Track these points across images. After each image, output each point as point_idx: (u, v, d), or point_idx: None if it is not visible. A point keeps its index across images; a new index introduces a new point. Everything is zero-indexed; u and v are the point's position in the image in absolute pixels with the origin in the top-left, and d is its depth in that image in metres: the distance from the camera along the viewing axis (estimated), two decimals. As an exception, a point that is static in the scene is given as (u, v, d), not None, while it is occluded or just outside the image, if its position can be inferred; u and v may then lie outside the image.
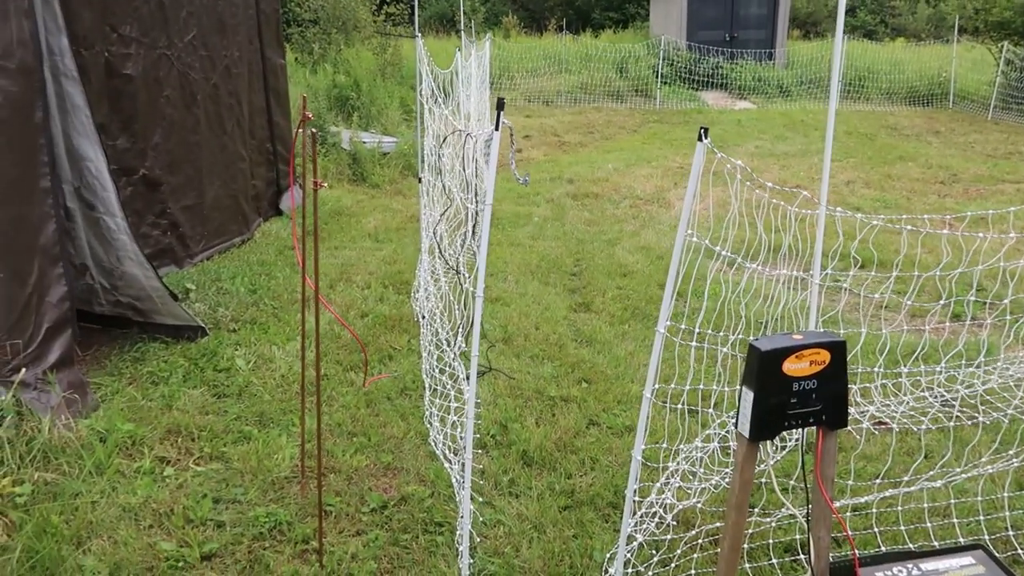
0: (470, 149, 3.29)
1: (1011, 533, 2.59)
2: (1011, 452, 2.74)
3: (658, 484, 2.63)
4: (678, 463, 2.76)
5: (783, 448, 2.92)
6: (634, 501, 2.22)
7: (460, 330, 3.09)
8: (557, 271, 5.22)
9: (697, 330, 2.32)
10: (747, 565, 2.45)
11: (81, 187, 3.75)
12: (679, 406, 2.50)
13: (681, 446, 2.66)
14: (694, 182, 1.97)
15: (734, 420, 1.98)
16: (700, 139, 1.96)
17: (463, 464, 2.42)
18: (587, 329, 4.23)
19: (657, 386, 2.19)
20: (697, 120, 12.73)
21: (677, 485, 2.54)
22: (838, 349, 1.88)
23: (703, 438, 2.86)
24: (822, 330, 2.10)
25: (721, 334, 2.43)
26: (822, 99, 14.77)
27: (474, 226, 3.10)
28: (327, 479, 2.89)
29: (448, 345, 3.18)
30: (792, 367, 1.85)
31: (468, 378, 3.35)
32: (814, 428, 1.91)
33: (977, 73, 14.77)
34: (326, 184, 2.23)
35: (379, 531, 2.64)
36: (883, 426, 3.13)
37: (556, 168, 8.86)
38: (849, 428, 3.12)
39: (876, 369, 2.95)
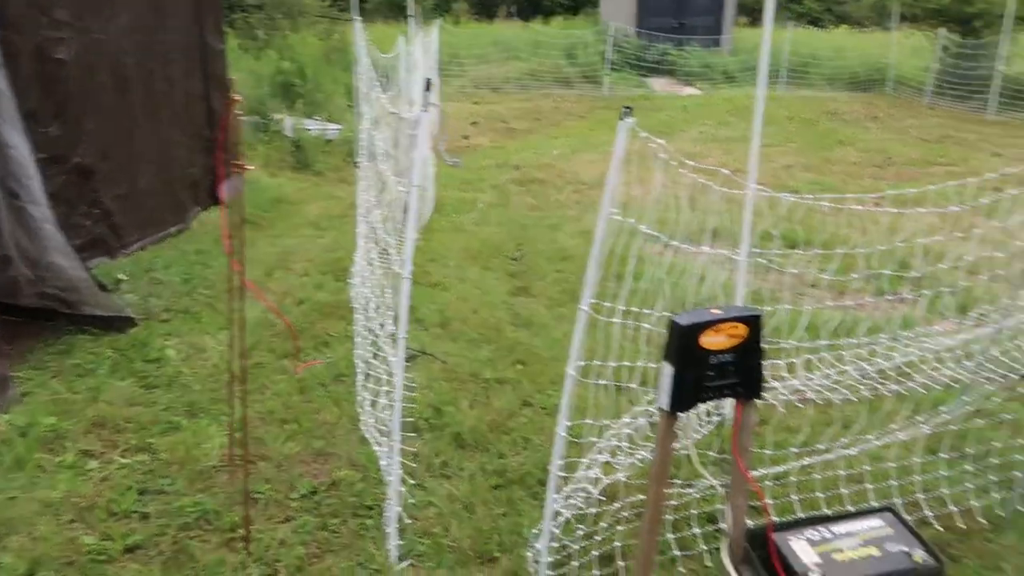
0: (405, 132, 3.27)
1: (921, 496, 2.70)
2: (919, 419, 2.84)
3: (586, 460, 2.66)
4: (607, 438, 2.80)
5: (709, 423, 2.98)
6: (559, 477, 2.25)
7: (390, 314, 3.09)
8: (499, 256, 5.24)
9: (622, 308, 2.36)
10: (671, 536, 2.51)
11: (5, 175, 3.64)
12: (607, 383, 2.54)
13: (609, 422, 2.70)
14: (617, 162, 1.99)
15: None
16: (622, 119, 1.99)
17: (392, 447, 2.42)
18: (525, 312, 4.26)
19: (582, 363, 2.22)
20: (645, 106, 12.82)
21: (604, 460, 2.58)
22: (754, 323, 1.93)
23: (632, 414, 2.90)
24: (741, 305, 2.15)
25: (646, 311, 2.47)
26: (767, 85, 15.00)
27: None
28: (257, 466, 2.87)
29: (381, 329, 3.18)
30: (710, 341, 1.89)
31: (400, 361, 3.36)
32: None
33: (915, 59, 15.15)
34: (252, 167, 2.21)
35: (308, 516, 2.63)
36: (805, 398, 3.22)
37: (503, 154, 8.87)
38: (772, 401, 3.20)
39: (800, 344, 3.02)
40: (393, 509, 2.46)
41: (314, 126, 8.58)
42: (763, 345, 1.95)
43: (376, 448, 2.92)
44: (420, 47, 8.00)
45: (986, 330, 3.17)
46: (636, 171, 2.52)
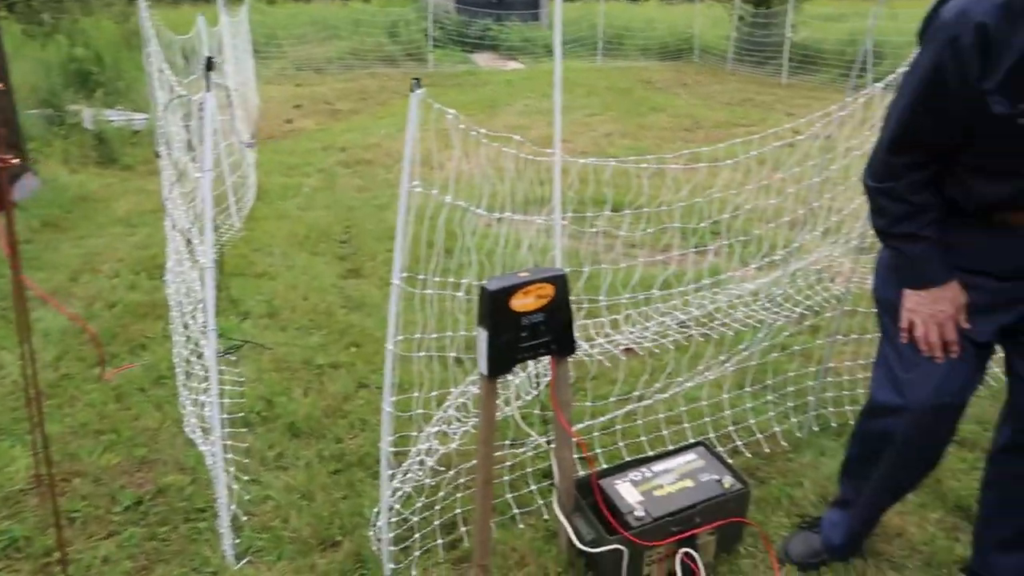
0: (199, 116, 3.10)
1: (731, 428, 2.95)
2: (722, 358, 3.10)
3: (424, 433, 2.69)
4: (444, 409, 2.84)
5: (539, 384, 3.09)
6: (390, 452, 2.26)
7: (202, 307, 2.96)
8: (327, 240, 5.13)
9: (436, 278, 2.38)
10: (510, 495, 2.60)
11: None
12: (434, 355, 2.57)
13: (438, 393, 2.74)
14: (411, 134, 2.00)
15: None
16: (412, 90, 1.99)
17: (223, 444, 2.33)
18: (357, 294, 4.21)
19: (401, 338, 2.23)
20: (470, 82, 12.90)
21: (437, 430, 2.62)
22: (560, 282, 2.01)
23: (466, 383, 2.96)
24: (547, 267, 2.23)
25: (474, 283, 2.51)
26: (586, 57, 15.53)
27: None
28: (71, 484, 2.67)
29: (195, 324, 3.03)
30: (520, 303, 1.95)
31: (221, 354, 3.22)
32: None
33: (717, 29, 16.18)
34: (15, 160, 1.99)
35: (134, 528, 2.49)
36: (627, 350, 3.42)
37: (328, 137, 8.64)
38: (598, 355, 3.37)
39: (615, 300, 3.19)
40: (225, 508, 2.38)
41: (117, 116, 7.95)
42: (572, 303, 2.04)
43: (202, 448, 2.80)
44: (227, 28, 7.60)
45: (778, 272, 3.49)
46: (461, 145, 2.56)
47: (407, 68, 14.20)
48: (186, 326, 3.03)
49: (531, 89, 11.81)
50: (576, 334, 3.45)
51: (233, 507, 2.52)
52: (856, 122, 2.78)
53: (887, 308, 1.97)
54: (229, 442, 2.85)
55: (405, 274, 2.07)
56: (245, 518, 2.53)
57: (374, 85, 12.59)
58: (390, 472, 2.34)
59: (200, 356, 3.29)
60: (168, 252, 3.43)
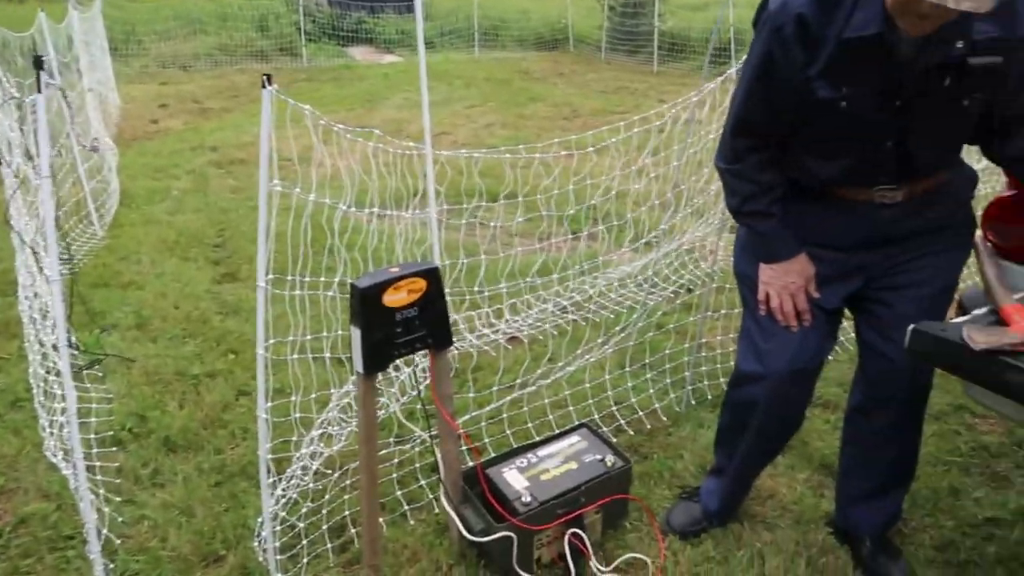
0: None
1: (614, 408, 3.03)
2: (601, 340, 3.19)
3: (308, 436, 2.63)
4: (329, 410, 2.78)
5: (425, 379, 3.08)
6: (269, 460, 2.19)
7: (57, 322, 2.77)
8: (199, 244, 4.91)
9: (307, 278, 2.33)
10: (399, 492, 2.58)
11: None
12: (312, 356, 2.51)
13: (318, 395, 2.68)
14: (265, 132, 1.94)
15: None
16: (264, 86, 1.93)
17: (88, 467, 2.19)
18: (233, 299, 4.06)
19: (273, 341, 2.17)
20: (347, 76, 12.64)
21: (321, 433, 2.56)
22: (433, 276, 2.00)
23: (350, 383, 2.91)
24: (419, 261, 2.22)
25: (338, 279, 2.46)
26: (463, 49, 15.52)
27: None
28: (-83, 523, 2.45)
29: (52, 339, 2.84)
30: (392, 299, 1.93)
31: (79, 369, 3.03)
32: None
33: (590, 19, 16.52)
34: None
35: (-8, 564, 2.32)
36: (513, 338, 3.45)
37: (197, 137, 8.26)
38: (485, 347, 3.39)
39: (494, 289, 3.21)
40: (94, 533, 2.24)
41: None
42: (453, 295, 2.05)
43: (66, 472, 2.63)
44: (78, 24, 7.14)
45: (652, 254, 3.61)
46: (337, 141, 2.50)
47: (280, 63, 13.76)
48: (42, 343, 2.83)
49: (409, 82, 11.70)
50: (460, 326, 3.46)
51: (105, 531, 2.38)
52: (720, 106, 2.91)
53: (746, 282, 2.08)
54: (97, 463, 2.70)
55: (271, 276, 2.01)
56: (119, 541, 2.40)
57: (245, 81, 12.13)
58: (273, 479, 2.28)
59: (59, 374, 3.09)
60: (17, 266, 3.19)
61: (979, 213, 2.08)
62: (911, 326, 1.63)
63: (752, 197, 1.93)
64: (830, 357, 3.39)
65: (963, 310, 1.88)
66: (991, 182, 3.27)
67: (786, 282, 1.94)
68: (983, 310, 1.70)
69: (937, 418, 2.99)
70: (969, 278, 2.89)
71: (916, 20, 1.49)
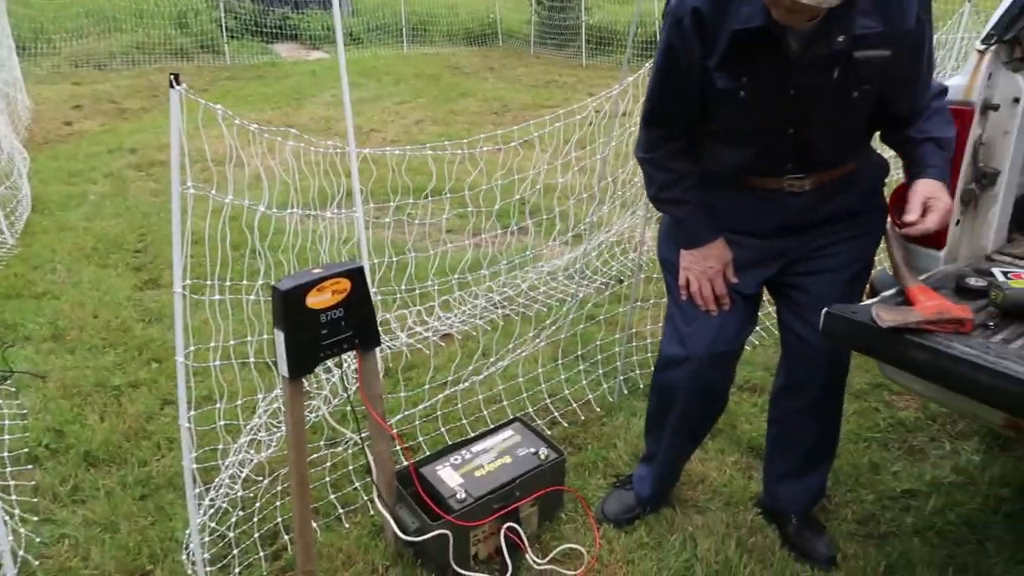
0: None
1: (548, 401, 3.05)
2: (532, 334, 3.20)
3: (238, 443, 2.56)
4: (259, 416, 2.72)
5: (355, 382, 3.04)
6: (194, 469, 2.13)
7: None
8: (119, 250, 4.73)
9: (228, 283, 2.27)
10: (333, 496, 2.54)
11: None
12: (237, 361, 2.45)
13: (244, 401, 2.62)
14: (175, 133, 1.88)
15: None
16: (172, 86, 1.86)
17: (2, 486, 2.09)
18: (155, 306, 3.93)
19: (194, 348, 2.11)
20: (273, 73, 12.37)
21: (250, 439, 2.51)
22: (357, 276, 1.97)
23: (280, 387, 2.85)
24: (343, 261, 2.19)
25: (262, 282, 2.41)
26: (391, 44, 15.36)
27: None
28: None
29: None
30: (315, 300, 1.90)
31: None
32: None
33: (518, 13, 16.56)
34: None
35: None
36: (445, 335, 3.44)
37: (115, 138, 7.96)
38: (418, 345, 3.37)
39: (423, 286, 3.20)
40: (8, 555, 2.15)
41: None
42: (386, 293, 2.02)
43: (-22, 493, 2.51)
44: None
45: (583, 246, 3.65)
46: (262, 142, 2.44)
47: (202, 61, 13.37)
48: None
49: (338, 79, 11.50)
50: (392, 325, 3.43)
51: (21, 552, 2.28)
52: (642, 97, 2.94)
53: (669, 268, 2.13)
54: (12, 482, 2.58)
55: (190, 281, 1.95)
56: (37, 563, 2.30)
57: (165, 81, 11.72)
58: (199, 489, 2.22)
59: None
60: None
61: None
62: (824, 309, 1.68)
63: (668, 185, 1.98)
64: (756, 342, 3.49)
65: (874, 292, 1.95)
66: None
67: (704, 267, 2.00)
68: (891, 292, 1.77)
69: (857, 396, 3.10)
70: (883, 262, 3.01)
71: (785, 13, 1.54)
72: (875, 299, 1.76)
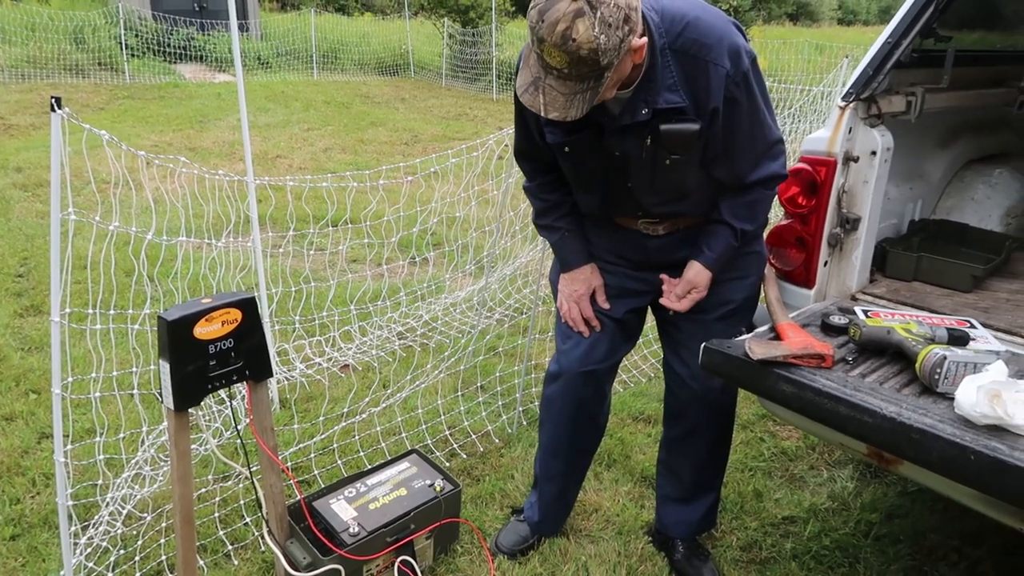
0: None
1: (447, 432, 3.06)
2: (429, 366, 3.21)
3: (121, 478, 2.46)
4: (144, 450, 2.62)
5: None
6: (70, 506, 2.04)
7: None
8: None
9: (112, 312, 2.20)
10: (222, 532, 2.46)
11: None
12: (119, 392, 2.36)
13: (128, 435, 2.53)
14: (56, 157, 1.82)
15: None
16: (53, 109, 1.81)
17: None
18: (36, 334, 3.73)
19: (72, 379, 2.03)
20: (176, 95, 12.02)
21: (133, 474, 2.41)
22: (248, 306, 1.94)
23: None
24: (238, 290, 2.16)
25: (148, 311, 2.34)
26: (301, 71, 15.22)
27: None
28: None
29: None
30: (204, 331, 1.86)
31: None
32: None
33: (430, 46, 16.72)
34: None
35: None
36: (345, 367, 3.41)
37: (1, 156, 7.55)
38: (317, 376, 3.32)
39: (321, 316, 3.18)
40: None
41: None
42: (284, 323, 2.00)
43: None
44: None
45: (488, 277, 3.70)
46: (156, 169, 2.37)
47: (99, 79, 12.87)
48: None
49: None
50: (291, 355, 3.38)
51: None
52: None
53: (555, 291, 2.22)
54: None
55: (71, 310, 1.88)
56: None
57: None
58: (76, 528, 2.12)
59: None
60: None
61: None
62: (703, 344, 1.78)
63: (542, 213, 2.11)
64: (652, 374, 3.61)
65: (751, 328, 2.06)
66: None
67: (572, 290, 2.12)
68: (765, 327, 1.89)
69: (744, 427, 3.24)
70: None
71: None
72: (750, 334, 1.86)
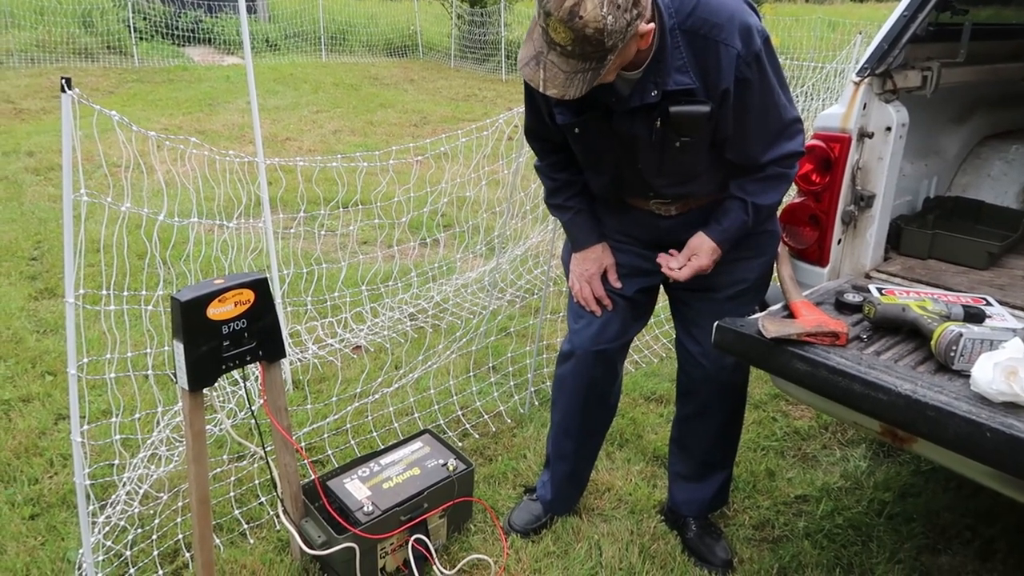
0: None
1: (459, 413, 3.07)
2: (441, 346, 3.22)
3: (137, 458, 2.48)
4: (159, 430, 2.64)
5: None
6: (87, 486, 2.06)
7: None
8: (12, 258, 4.51)
9: (126, 293, 2.21)
10: (237, 511, 2.49)
11: None
12: (134, 373, 2.38)
13: (144, 415, 2.55)
14: (67, 139, 1.82)
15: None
16: (63, 90, 1.81)
17: None
18: (51, 316, 3.76)
19: (89, 359, 2.04)
20: (185, 78, 12.01)
21: (149, 454, 2.43)
22: (261, 286, 1.95)
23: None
24: (250, 271, 2.17)
25: (161, 292, 2.35)
26: (310, 52, 15.17)
27: None
28: None
29: None
30: (217, 311, 1.87)
31: None
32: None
33: (438, 27, 16.62)
34: None
35: None
36: (357, 348, 3.42)
37: (11, 140, 7.58)
38: (330, 358, 3.34)
39: (332, 298, 3.18)
40: None
41: None
42: (297, 303, 2.00)
43: None
44: None
45: (495, 259, 3.69)
46: (167, 149, 2.38)
47: (107, 62, 12.86)
48: None
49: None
50: (303, 336, 3.39)
51: None
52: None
53: (566, 270, 2.22)
54: None
55: (84, 291, 1.89)
56: (-88, 591, 2.17)
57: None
58: (94, 507, 2.14)
59: None
60: None
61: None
62: (716, 322, 1.77)
63: (553, 192, 2.11)
64: (663, 355, 3.61)
65: (764, 307, 2.05)
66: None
67: (583, 269, 2.11)
68: (778, 306, 1.88)
69: (757, 407, 3.24)
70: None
71: None
72: (763, 312, 1.86)
